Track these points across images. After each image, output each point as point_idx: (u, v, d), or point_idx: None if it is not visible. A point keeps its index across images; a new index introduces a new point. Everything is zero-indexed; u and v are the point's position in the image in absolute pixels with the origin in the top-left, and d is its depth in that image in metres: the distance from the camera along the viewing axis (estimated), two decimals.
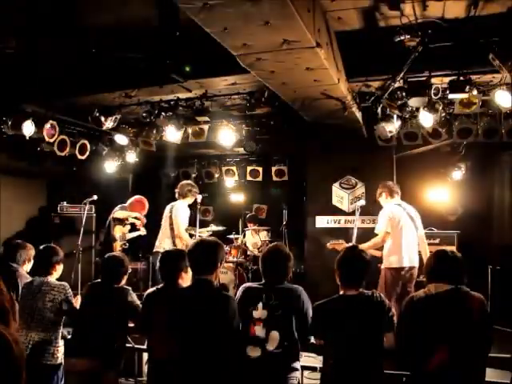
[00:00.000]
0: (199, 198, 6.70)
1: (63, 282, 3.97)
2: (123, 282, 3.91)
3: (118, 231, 7.03)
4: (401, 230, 5.40)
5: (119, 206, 7.24)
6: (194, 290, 3.38)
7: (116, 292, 3.77)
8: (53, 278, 3.98)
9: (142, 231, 7.38)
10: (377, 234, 5.52)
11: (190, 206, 6.79)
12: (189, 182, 7.00)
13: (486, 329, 2.93)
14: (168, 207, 6.64)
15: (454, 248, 6.30)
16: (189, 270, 3.60)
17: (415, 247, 5.46)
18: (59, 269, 4.08)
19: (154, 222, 6.78)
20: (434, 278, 3.02)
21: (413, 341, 2.99)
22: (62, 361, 3.87)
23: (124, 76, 5.76)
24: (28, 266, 4.43)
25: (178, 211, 6.45)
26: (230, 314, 3.20)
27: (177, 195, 6.64)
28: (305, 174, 8.17)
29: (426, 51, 4.55)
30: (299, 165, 8.74)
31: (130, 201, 7.32)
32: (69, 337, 4.17)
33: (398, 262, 5.32)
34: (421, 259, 5.40)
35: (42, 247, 4.16)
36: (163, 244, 6.37)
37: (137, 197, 7.40)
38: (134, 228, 7.40)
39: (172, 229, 6.42)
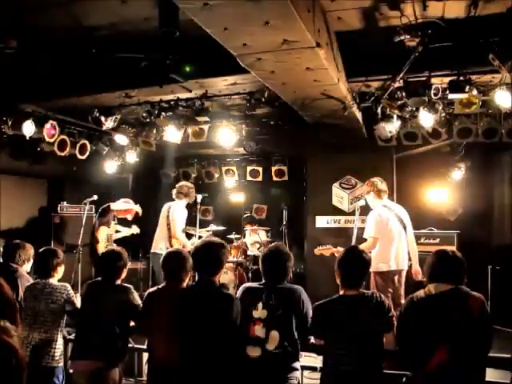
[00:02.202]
0: (199, 197, 6.68)
1: (65, 283, 3.97)
2: (123, 276, 3.90)
3: (102, 232, 6.94)
4: (389, 233, 5.34)
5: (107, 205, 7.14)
6: (197, 289, 3.38)
7: (117, 290, 3.77)
8: (54, 280, 3.98)
9: (135, 229, 7.29)
10: (366, 239, 5.44)
11: (189, 205, 6.78)
12: (187, 183, 6.96)
13: (486, 329, 2.93)
14: (165, 207, 6.58)
15: (454, 248, 6.29)
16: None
17: (404, 249, 5.38)
18: (60, 271, 4.08)
19: (155, 222, 6.76)
20: (435, 278, 3.02)
21: (413, 341, 2.99)
22: (62, 362, 3.88)
23: (124, 76, 5.76)
24: (27, 266, 4.44)
25: (176, 212, 6.41)
26: (234, 314, 3.20)
27: (175, 195, 6.59)
28: (305, 173, 8.18)
29: (426, 51, 4.54)
30: (299, 165, 8.74)
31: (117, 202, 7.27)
32: (69, 337, 4.17)
33: (386, 265, 5.28)
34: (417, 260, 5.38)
35: (42, 250, 4.16)
36: (160, 245, 6.33)
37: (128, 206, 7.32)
38: (126, 223, 7.31)
39: (169, 229, 6.37)
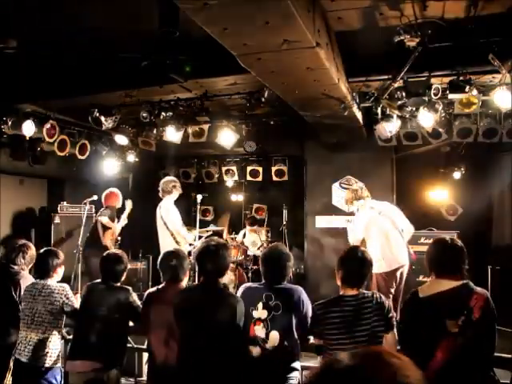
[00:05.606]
0: (199, 197, 6.66)
1: (63, 284, 3.97)
2: (122, 279, 3.91)
3: (109, 237, 6.82)
4: (384, 233, 5.37)
5: (102, 210, 6.98)
6: (201, 290, 3.35)
7: (116, 292, 3.77)
8: (54, 281, 3.97)
9: (124, 220, 7.13)
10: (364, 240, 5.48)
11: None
12: (170, 178, 6.74)
13: (490, 325, 2.90)
14: (157, 211, 6.44)
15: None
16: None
17: (402, 245, 5.42)
18: (60, 272, 4.07)
19: (154, 223, 6.75)
20: (436, 270, 2.96)
21: (414, 337, 2.96)
22: (60, 363, 3.88)
23: (124, 76, 5.76)
24: (29, 267, 4.43)
25: (167, 210, 6.29)
26: (238, 316, 3.18)
27: (161, 193, 6.41)
28: (305, 173, 8.18)
29: (426, 51, 4.55)
30: (299, 165, 8.75)
31: (104, 195, 7.11)
32: (69, 337, 4.16)
33: (387, 265, 5.31)
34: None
35: (42, 251, 4.15)
36: (167, 248, 6.24)
37: (108, 191, 7.19)
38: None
39: (168, 229, 6.26)
